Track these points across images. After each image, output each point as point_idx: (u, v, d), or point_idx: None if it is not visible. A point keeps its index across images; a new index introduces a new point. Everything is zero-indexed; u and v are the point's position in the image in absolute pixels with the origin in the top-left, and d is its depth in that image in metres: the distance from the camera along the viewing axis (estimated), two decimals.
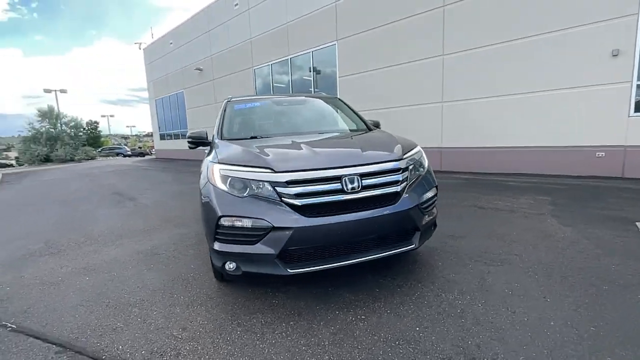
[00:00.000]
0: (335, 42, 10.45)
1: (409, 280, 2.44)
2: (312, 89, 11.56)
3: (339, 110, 3.70)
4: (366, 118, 3.58)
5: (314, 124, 3.45)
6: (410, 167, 2.33)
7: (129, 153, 37.29)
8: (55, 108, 31.57)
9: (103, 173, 13.15)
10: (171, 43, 19.14)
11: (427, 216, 2.35)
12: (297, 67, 12.18)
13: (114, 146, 43.91)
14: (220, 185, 2.07)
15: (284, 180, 1.99)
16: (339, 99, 3.96)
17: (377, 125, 3.61)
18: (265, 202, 1.98)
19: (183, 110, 19.41)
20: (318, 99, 3.97)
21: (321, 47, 10.95)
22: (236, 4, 13.87)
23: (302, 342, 1.78)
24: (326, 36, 10.65)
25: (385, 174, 2.18)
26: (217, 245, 2.05)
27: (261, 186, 2.01)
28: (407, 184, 2.24)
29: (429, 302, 2.12)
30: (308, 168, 2.05)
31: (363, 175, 2.10)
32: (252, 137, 2.88)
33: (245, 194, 2.01)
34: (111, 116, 76.10)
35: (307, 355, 1.68)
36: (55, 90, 31.51)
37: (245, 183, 2.04)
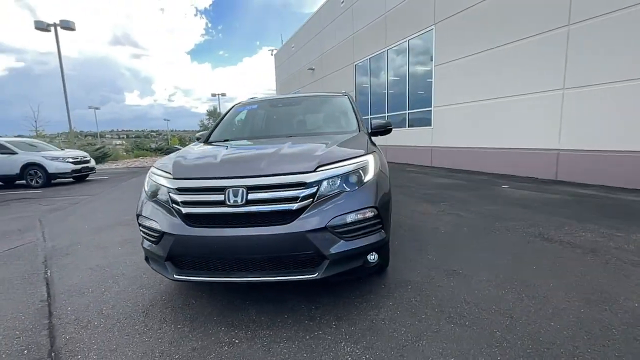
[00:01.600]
0: (432, 27, 9.25)
1: (342, 316, 2.04)
2: (407, 80, 10.65)
3: (337, 111, 3.36)
4: (381, 120, 3.16)
5: (300, 126, 3.27)
6: (326, 182, 1.93)
7: None
8: (217, 109, 40.27)
9: None
10: (293, 46, 21.20)
11: (346, 242, 1.90)
12: (393, 59, 11.44)
13: None
14: (145, 186, 2.27)
15: (175, 187, 2.00)
16: (347, 97, 3.56)
17: (381, 127, 3.11)
18: (163, 207, 2.04)
19: None
20: (319, 99, 3.72)
21: (418, 34, 9.92)
22: (342, 1, 14.09)
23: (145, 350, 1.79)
24: (423, 21, 9.56)
25: (281, 189, 1.89)
26: (143, 242, 2.26)
27: (164, 191, 2.09)
28: (312, 202, 1.88)
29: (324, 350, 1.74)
30: (195, 176, 1.99)
31: (251, 189, 1.88)
32: (225, 140, 2.99)
33: (154, 197, 2.14)
34: None
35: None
36: (219, 94, 40.03)
37: (156, 187, 2.16)
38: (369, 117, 13.15)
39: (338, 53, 15.11)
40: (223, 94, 40.20)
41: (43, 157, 9.55)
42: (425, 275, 2.51)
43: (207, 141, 3.14)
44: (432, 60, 9.42)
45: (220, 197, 1.88)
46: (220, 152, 2.37)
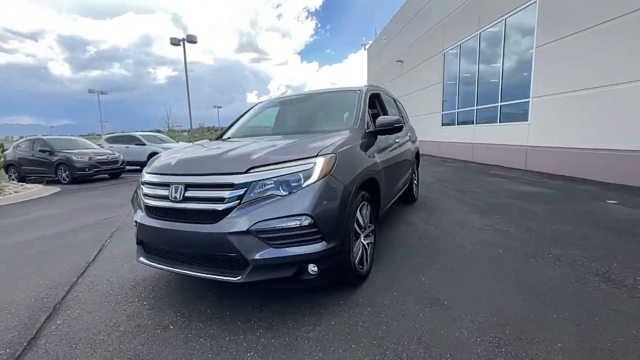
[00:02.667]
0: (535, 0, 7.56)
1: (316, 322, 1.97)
2: (501, 68, 9.02)
3: (342, 107, 3.14)
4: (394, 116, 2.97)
5: (303, 124, 3.19)
6: (256, 184, 1.85)
7: None
8: None
9: None
10: (384, 39, 20.49)
11: (274, 249, 1.80)
12: (486, 44, 9.83)
13: None
14: None
15: (142, 180, 2.25)
16: (358, 92, 3.25)
17: (387, 125, 2.78)
18: (139, 198, 2.33)
19: None
20: (327, 95, 3.51)
21: (516, 10, 8.26)
22: None
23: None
24: None
25: (212, 188, 1.90)
26: None
27: (140, 183, 2.37)
28: (239, 204, 1.83)
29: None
30: (154, 172, 2.18)
31: (188, 186, 1.96)
32: (227, 138, 3.17)
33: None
34: None
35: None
36: None
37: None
38: (456, 110, 11.73)
39: (426, 42, 13.89)
40: None
41: (163, 148, 11.91)
42: (398, 299, 2.16)
43: (219, 137, 3.39)
44: (532, 42, 7.72)
45: (166, 192, 2.03)
46: (196, 149, 2.54)
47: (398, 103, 4.70)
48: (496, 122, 9.35)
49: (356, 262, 2.26)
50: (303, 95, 3.70)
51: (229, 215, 1.82)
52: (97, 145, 12.05)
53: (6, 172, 10.41)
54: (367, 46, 25.99)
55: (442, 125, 12.91)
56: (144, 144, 12.11)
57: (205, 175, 1.97)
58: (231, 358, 1.66)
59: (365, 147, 2.63)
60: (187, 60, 20.09)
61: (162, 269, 2.08)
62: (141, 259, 2.22)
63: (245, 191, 1.85)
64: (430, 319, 1.91)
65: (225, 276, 1.86)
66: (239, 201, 1.84)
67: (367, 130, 2.79)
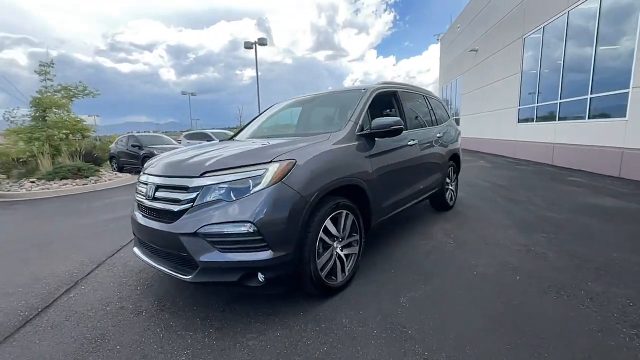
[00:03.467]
0: None
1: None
2: (593, 53, 7.40)
3: (341, 109, 2.98)
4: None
5: (301, 126, 3.13)
6: (208, 189, 1.88)
7: None
8: None
9: None
10: (458, 27, 18.70)
11: (220, 253, 1.82)
12: (575, 25, 8.17)
13: None
14: None
15: (138, 178, 2.49)
16: (362, 92, 3.01)
17: (382, 127, 2.57)
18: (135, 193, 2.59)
19: (458, 96, 18.86)
20: (331, 96, 3.34)
21: None
22: None
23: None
24: None
25: (172, 190, 2.00)
26: None
27: None
28: (191, 206, 1.90)
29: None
30: (143, 171, 2.39)
31: (158, 187, 2.10)
32: (231, 138, 3.30)
33: None
34: None
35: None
36: None
37: None
38: (535, 105, 10.09)
39: (504, 26, 12.21)
40: None
41: None
42: (360, 320, 1.98)
43: (231, 138, 3.56)
44: (636, 19, 6.13)
45: (144, 190, 2.23)
46: (183, 151, 2.67)
47: (430, 100, 4.25)
48: (583, 118, 7.75)
49: (323, 273, 2.14)
50: (313, 96, 3.63)
51: (182, 217, 1.91)
52: (177, 141, 13.81)
53: (110, 162, 12.74)
54: (440, 37, 24.08)
55: (518, 122, 11.25)
56: (213, 140, 13.45)
57: (169, 177, 2.10)
58: (169, 352, 1.76)
59: (353, 151, 2.46)
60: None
61: (142, 259, 2.30)
62: (134, 248, 2.49)
63: (198, 195, 1.91)
64: (379, 348, 1.71)
65: (179, 274, 1.96)
66: (191, 204, 1.91)
67: (359, 133, 2.60)
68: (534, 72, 10.19)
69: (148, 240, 2.19)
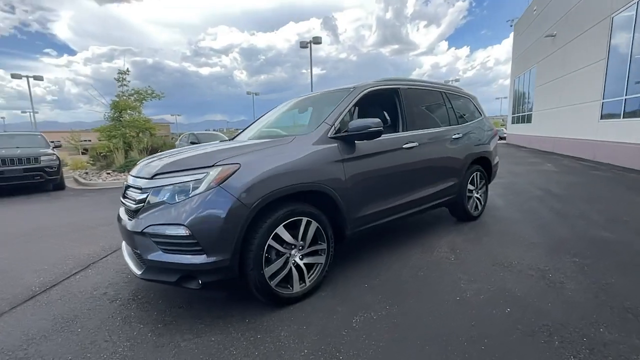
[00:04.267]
0: None
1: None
2: None
3: (324, 110, 2.80)
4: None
5: (289, 127, 3.02)
6: (155, 190, 1.95)
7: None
8: None
9: None
10: (535, 10, 16.39)
11: (162, 253, 1.89)
12: None
13: None
14: None
15: None
16: (348, 91, 2.80)
17: (359, 129, 2.39)
18: None
19: (532, 88, 16.58)
20: (324, 96, 3.12)
21: None
22: None
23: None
24: None
25: (133, 189, 2.13)
26: None
27: None
28: (143, 207, 1.99)
29: None
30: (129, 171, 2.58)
31: (128, 186, 2.25)
32: (232, 138, 3.39)
33: None
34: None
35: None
36: (451, 80, 37.79)
37: None
38: (623, 97, 8.34)
39: (588, 5, 10.30)
40: (456, 80, 37.65)
41: None
42: (297, 335, 1.87)
43: (232, 138, 3.66)
44: None
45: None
46: (174, 151, 2.83)
47: (450, 97, 3.79)
48: None
49: (273, 282, 2.07)
50: (307, 96, 3.52)
51: (138, 216, 2.02)
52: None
53: None
54: (514, 22, 21.41)
55: (601, 118, 9.43)
56: (199, 142, 14.05)
57: (134, 178, 2.23)
58: (113, 341, 1.88)
59: (319, 155, 2.32)
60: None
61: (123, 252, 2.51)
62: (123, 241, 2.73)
63: (148, 195, 2.00)
64: None
65: (135, 268, 2.09)
66: (143, 204, 2.01)
67: (331, 136, 2.44)
68: (624, 58, 8.42)
69: (122, 234, 2.38)
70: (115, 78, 10.91)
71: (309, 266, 2.28)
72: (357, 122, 2.42)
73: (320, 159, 2.31)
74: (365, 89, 2.84)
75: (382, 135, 2.61)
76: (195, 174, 1.93)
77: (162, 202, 1.94)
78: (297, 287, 2.20)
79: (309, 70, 21.64)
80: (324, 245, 2.34)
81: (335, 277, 2.57)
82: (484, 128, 4.14)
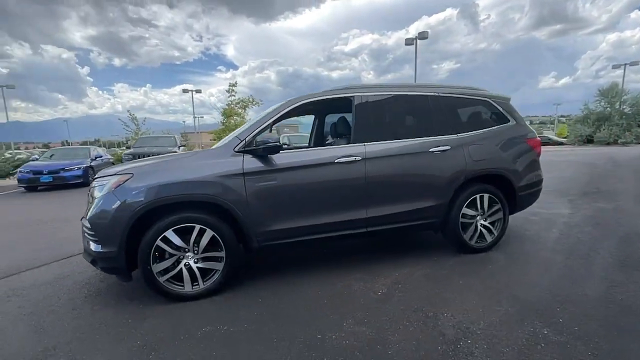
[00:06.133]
0: None
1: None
2: None
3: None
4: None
5: None
6: (92, 189, 2.50)
7: None
8: (620, 84, 28.87)
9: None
10: None
11: (84, 239, 2.46)
12: None
13: None
14: None
15: None
16: (277, 106, 2.74)
17: (261, 144, 2.45)
18: None
19: None
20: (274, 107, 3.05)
21: None
22: None
23: None
24: None
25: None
26: None
27: None
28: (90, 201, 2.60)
29: None
30: None
31: None
32: None
33: None
34: None
35: None
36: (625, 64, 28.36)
37: None
38: None
39: None
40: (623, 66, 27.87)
41: None
42: (173, 336, 2.11)
43: None
44: None
45: None
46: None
47: (437, 102, 3.08)
48: None
49: (163, 278, 2.36)
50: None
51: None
52: None
53: None
54: None
55: None
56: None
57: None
58: (53, 321, 2.48)
59: (218, 168, 2.44)
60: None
61: None
62: None
63: (89, 193, 2.60)
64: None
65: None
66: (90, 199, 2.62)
67: (237, 150, 2.52)
68: None
69: None
70: (226, 90, 13.26)
71: (205, 270, 2.46)
72: (262, 137, 2.43)
73: (217, 172, 2.43)
74: (295, 103, 2.76)
75: (310, 149, 2.52)
76: (105, 180, 2.42)
77: (92, 200, 2.51)
78: (188, 288, 2.43)
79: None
80: (222, 253, 2.47)
81: (242, 286, 2.64)
82: (505, 138, 3.22)
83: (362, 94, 2.91)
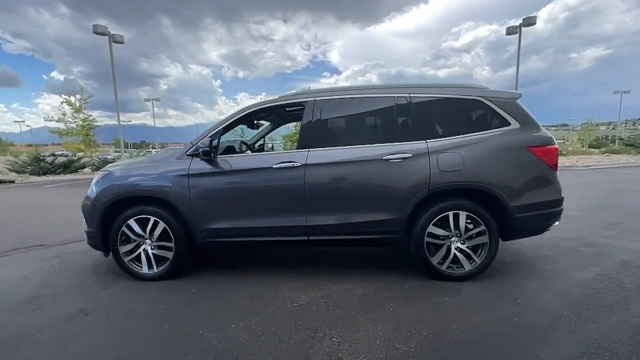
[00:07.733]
0: None
1: None
2: None
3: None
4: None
5: None
6: None
7: None
8: None
9: None
10: None
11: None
12: None
13: None
14: None
15: None
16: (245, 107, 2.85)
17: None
18: None
19: None
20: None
21: None
22: None
23: None
24: None
25: None
26: None
27: None
28: None
29: None
30: None
31: None
32: None
33: None
34: None
35: None
36: None
37: None
38: None
39: None
40: None
41: None
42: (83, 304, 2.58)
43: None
44: None
45: None
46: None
47: (406, 104, 2.69)
48: None
49: (127, 258, 2.84)
50: None
51: None
52: None
53: None
54: None
55: None
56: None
57: None
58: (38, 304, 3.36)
59: (169, 169, 2.79)
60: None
61: None
62: None
63: None
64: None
65: None
66: None
67: (188, 154, 2.79)
68: None
69: None
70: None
71: (159, 257, 2.85)
72: (222, 143, 2.69)
73: (169, 172, 2.78)
74: (248, 110, 2.88)
75: (253, 154, 2.64)
76: (97, 175, 3.05)
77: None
78: (145, 270, 2.85)
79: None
80: (172, 244, 2.81)
81: (202, 278, 2.91)
82: (496, 144, 2.59)
83: (316, 98, 2.83)
